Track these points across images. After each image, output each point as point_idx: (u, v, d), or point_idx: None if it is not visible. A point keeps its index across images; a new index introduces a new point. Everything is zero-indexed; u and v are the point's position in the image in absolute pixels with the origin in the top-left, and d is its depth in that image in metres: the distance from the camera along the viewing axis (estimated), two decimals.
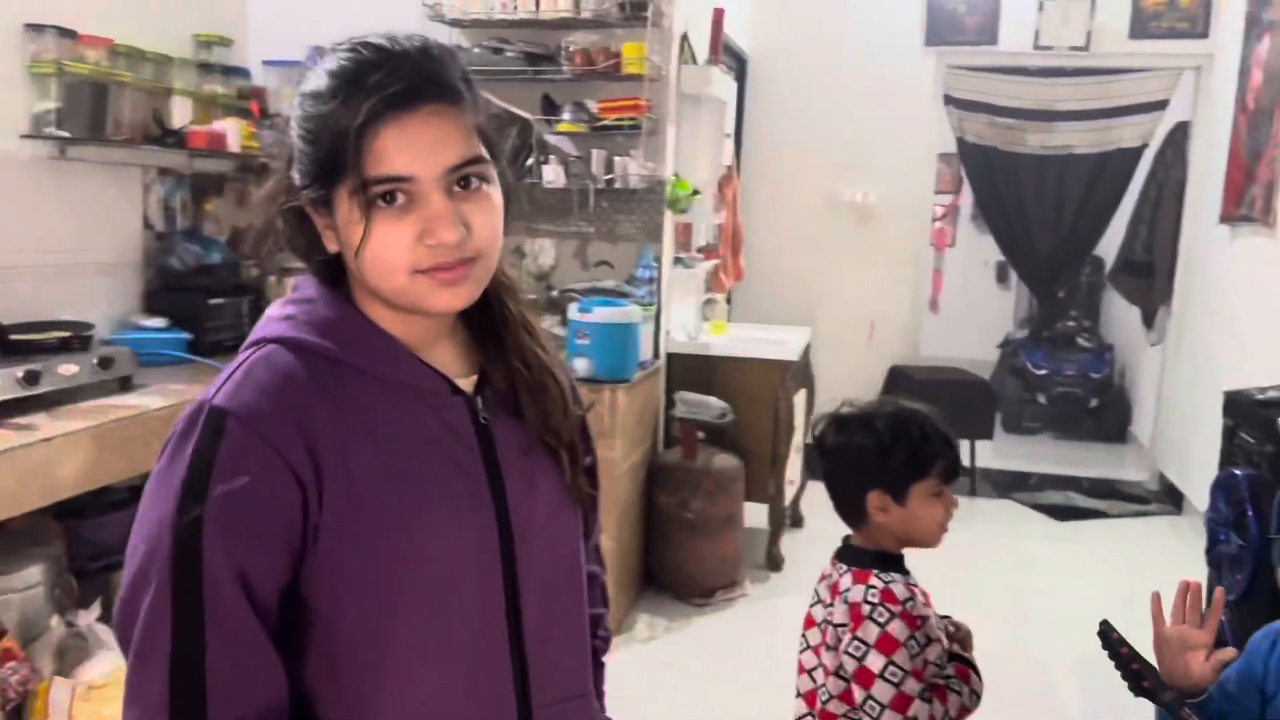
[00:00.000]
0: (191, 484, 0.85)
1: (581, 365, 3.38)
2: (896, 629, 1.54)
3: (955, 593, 3.98)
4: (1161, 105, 5.82)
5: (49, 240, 3.06)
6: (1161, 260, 5.61)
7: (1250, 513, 2.63)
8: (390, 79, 0.85)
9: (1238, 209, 4.37)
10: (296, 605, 0.91)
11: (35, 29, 2.89)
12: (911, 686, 1.52)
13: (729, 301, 5.63)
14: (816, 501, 4.97)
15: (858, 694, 1.55)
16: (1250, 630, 1.62)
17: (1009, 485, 5.68)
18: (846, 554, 1.73)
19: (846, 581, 1.64)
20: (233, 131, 3.41)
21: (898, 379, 5.62)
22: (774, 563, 4.21)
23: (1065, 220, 6.17)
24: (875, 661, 1.53)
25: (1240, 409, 2.78)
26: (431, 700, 0.95)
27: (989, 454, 6.29)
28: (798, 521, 4.80)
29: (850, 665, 1.56)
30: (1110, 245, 6.68)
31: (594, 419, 1.38)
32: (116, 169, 3.25)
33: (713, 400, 3.86)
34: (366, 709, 0.93)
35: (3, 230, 2.88)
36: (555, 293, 3.99)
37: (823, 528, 4.73)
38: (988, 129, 6.19)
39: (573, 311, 3.45)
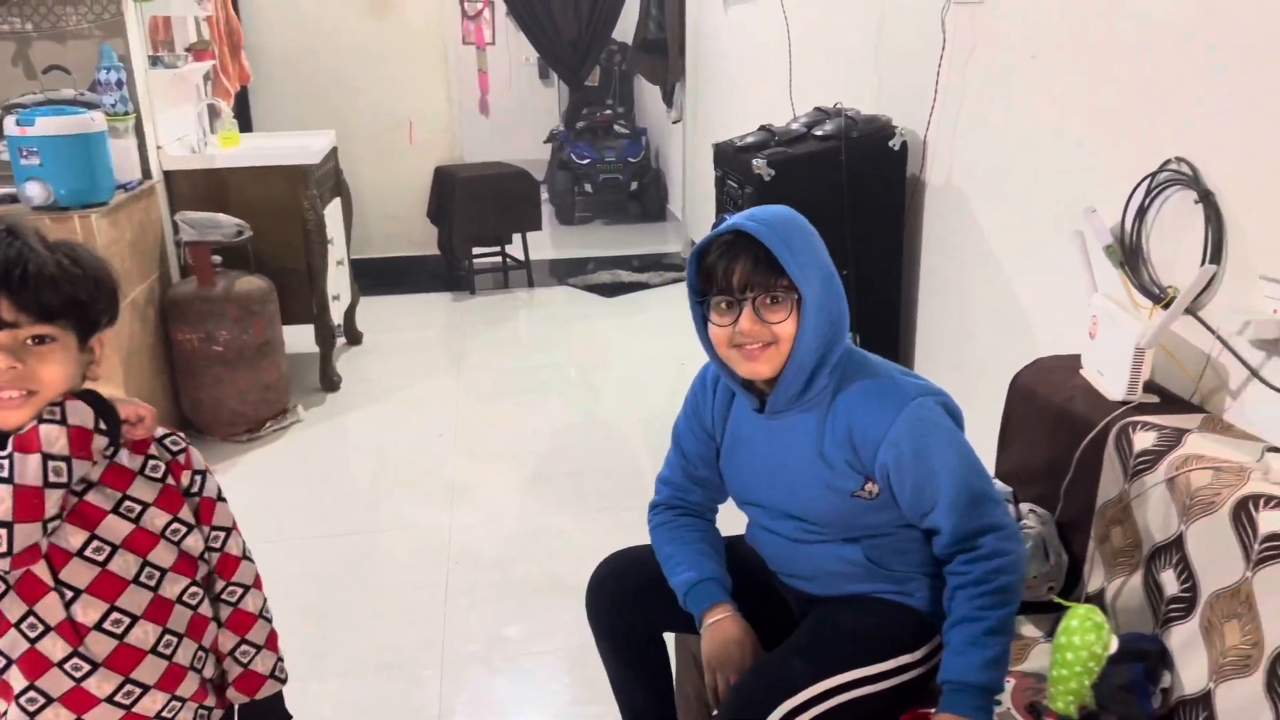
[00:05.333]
0: None
1: (36, 191, 2.81)
2: None
3: (524, 383, 4.15)
4: None
5: None
6: (673, 37, 5.88)
7: None
8: None
9: None
10: None
11: None
12: None
13: (244, 110, 5.06)
14: (373, 315, 4.83)
15: None
16: None
17: (566, 273, 5.87)
18: None
19: None
20: None
21: (443, 179, 5.47)
22: (330, 383, 4.00)
23: (584, 4, 6.22)
24: None
25: (725, 158, 2.98)
26: None
27: (546, 246, 6.46)
28: (355, 338, 4.60)
29: None
30: (631, 28, 6.88)
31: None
32: None
33: (223, 218, 3.45)
34: None
35: None
36: None
37: (384, 341, 4.65)
38: None
39: (9, 126, 2.82)
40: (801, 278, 1.36)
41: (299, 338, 4.06)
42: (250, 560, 1.34)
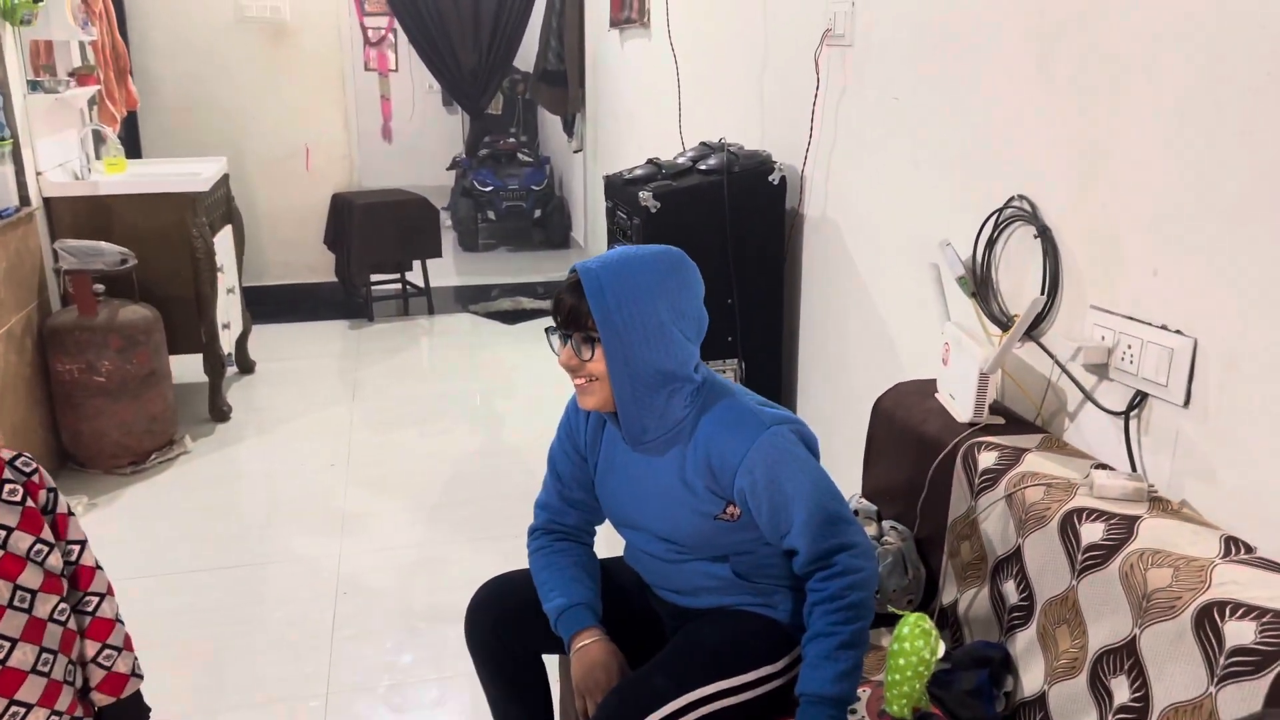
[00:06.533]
0: None
1: None
2: None
3: (423, 411, 4.13)
4: None
5: None
6: (572, 68, 5.96)
7: None
8: None
9: (622, 13, 4.73)
10: None
11: None
12: None
13: (133, 136, 4.96)
14: (267, 344, 4.75)
15: None
16: None
17: (470, 300, 5.87)
18: None
19: None
20: None
21: (341, 206, 5.43)
22: (219, 413, 3.93)
23: (484, 34, 6.27)
24: None
25: (615, 189, 3.05)
26: None
27: (449, 274, 6.46)
28: (248, 367, 4.53)
29: None
30: (532, 57, 6.95)
31: None
32: None
33: (106, 246, 3.37)
34: None
35: None
36: None
37: (277, 370, 4.58)
38: None
39: None
40: (604, 326, 1.42)
41: (188, 367, 3.99)
42: (101, 569, 1.38)
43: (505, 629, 1.66)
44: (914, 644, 1.23)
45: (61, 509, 1.31)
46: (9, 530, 1.22)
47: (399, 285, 5.61)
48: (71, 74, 3.90)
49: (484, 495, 3.36)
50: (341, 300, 5.61)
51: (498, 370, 4.75)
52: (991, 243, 1.95)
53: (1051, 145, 1.78)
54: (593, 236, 6.25)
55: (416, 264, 5.59)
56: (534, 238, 7.38)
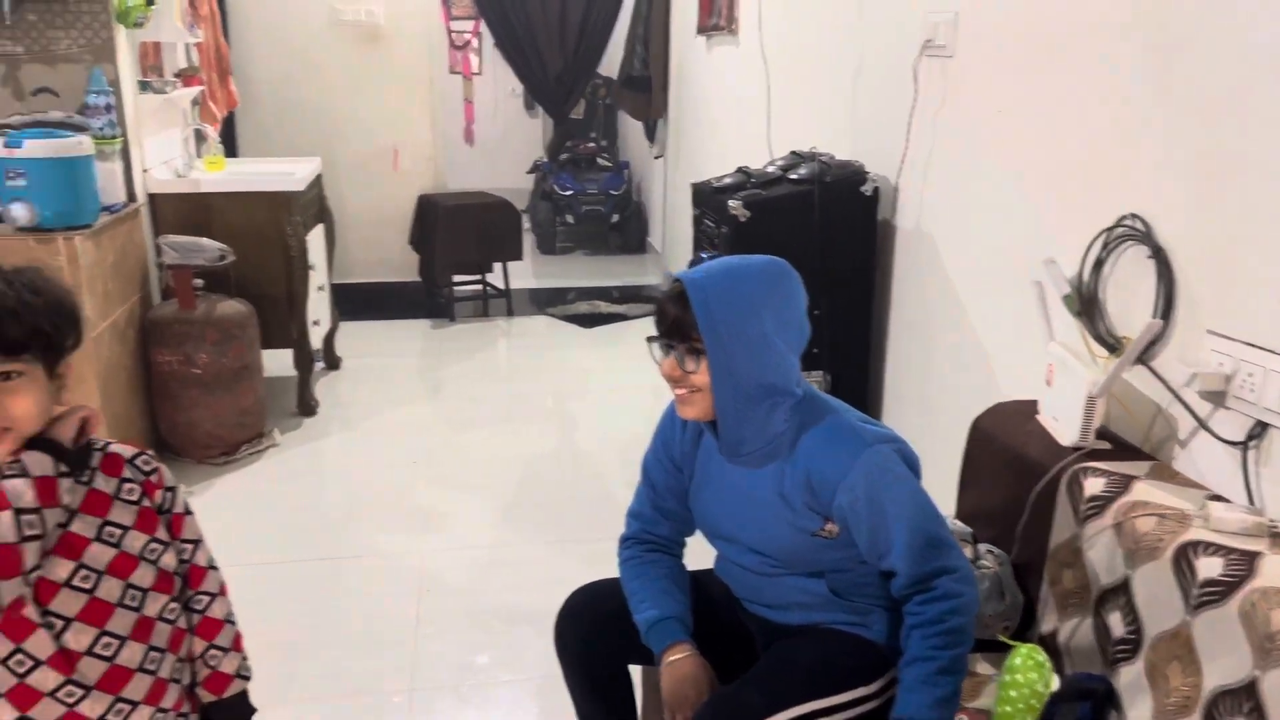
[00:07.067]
0: None
1: (21, 212, 2.84)
2: None
3: (501, 411, 4.18)
4: None
5: None
6: (656, 74, 5.98)
7: None
8: None
9: (710, 20, 4.72)
10: None
11: None
12: None
13: (230, 136, 5.10)
14: (352, 341, 4.85)
15: None
16: None
17: (546, 302, 5.92)
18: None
19: None
20: None
21: (426, 207, 5.52)
22: (307, 408, 4.02)
23: (570, 39, 6.33)
24: None
25: (703, 197, 3.05)
26: None
27: (527, 276, 6.52)
28: (334, 363, 4.62)
29: None
30: (617, 63, 7.00)
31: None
32: None
33: (206, 242, 3.48)
34: None
35: None
36: None
37: (362, 366, 4.67)
38: None
39: None
40: (711, 339, 1.41)
41: (278, 362, 4.09)
42: (216, 569, 1.39)
43: (595, 637, 1.67)
44: (1027, 676, 1.20)
45: (179, 508, 1.32)
46: (124, 529, 1.23)
47: (480, 286, 5.68)
48: (177, 74, 4.03)
49: (557, 499, 3.38)
50: (424, 300, 5.70)
51: (572, 373, 4.77)
52: (1100, 262, 1.90)
53: (1169, 163, 1.73)
54: (670, 242, 6.25)
55: (497, 265, 5.65)
56: (611, 242, 7.41)
